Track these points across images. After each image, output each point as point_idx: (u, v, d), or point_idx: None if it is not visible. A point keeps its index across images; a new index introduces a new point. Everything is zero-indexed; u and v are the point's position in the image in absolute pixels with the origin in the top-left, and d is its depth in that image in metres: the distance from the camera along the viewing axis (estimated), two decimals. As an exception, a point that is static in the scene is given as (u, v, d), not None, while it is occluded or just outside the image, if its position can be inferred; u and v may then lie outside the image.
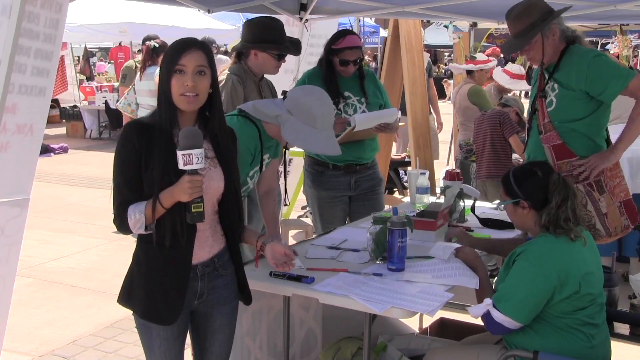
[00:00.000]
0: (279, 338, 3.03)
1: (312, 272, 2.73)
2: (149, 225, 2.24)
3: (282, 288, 2.66)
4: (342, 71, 4.01)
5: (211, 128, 2.38)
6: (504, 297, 2.49)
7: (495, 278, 2.83)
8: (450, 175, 3.83)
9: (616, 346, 2.77)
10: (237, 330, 2.61)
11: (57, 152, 12.14)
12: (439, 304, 2.47)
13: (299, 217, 7.09)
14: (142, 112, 6.32)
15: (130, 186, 2.26)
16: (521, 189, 2.65)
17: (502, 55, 8.31)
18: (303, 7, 5.42)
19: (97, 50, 23.28)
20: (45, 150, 11.53)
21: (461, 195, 3.60)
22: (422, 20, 7.54)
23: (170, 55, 2.29)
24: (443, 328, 3.69)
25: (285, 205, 4.65)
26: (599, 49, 11.51)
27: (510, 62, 8.04)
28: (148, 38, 6.71)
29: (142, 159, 2.25)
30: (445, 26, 10.03)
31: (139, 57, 8.35)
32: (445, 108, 11.64)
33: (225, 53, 9.03)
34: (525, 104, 4.77)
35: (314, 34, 5.62)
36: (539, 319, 2.51)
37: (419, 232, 3.15)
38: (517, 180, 2.68)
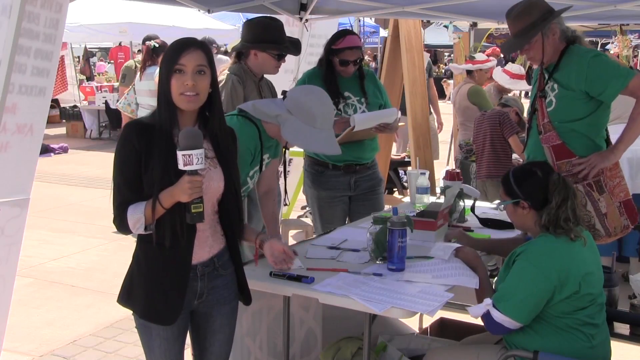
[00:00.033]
0: (279, 338, 3.02)
1: (312, 272, 2.73)
2: (149, 226, 2.24)
3: (282, 288, 2.66)
4: (342, 71, 4.01)
5: (211, 128, 2.38)
6: (504, 297, 2.49)
7: (495, 278, 2.82)
8: (450, 175, 3.83)
9: (616, 346, 2.77)
10: (237, 330, 2.61)
11: (57, 152, 12.14)
12: (439, 304, 2.47)
13: (299, 217, 7.09)
14: (142, 112, 6.31)
15: (130, 186, 2.26)
16: (521, 189, 2.65)
17: (502, 55, 8.31)
18: (303, 7, 5.42)
19: (97, 50, 23.30)
20: (45, 150, 11.53)
21: (461, 195, 3.60)
22: (422, 20, 7.53)
23: (169, 55, 2.29)
24: (443, 328, 3.69)
25: (285, 205, 4.65)
26: (599, 49, 11.53)
27: (510, 62, 8.03)
28: (148, 38, 6.70)
29: (142, 159, 2.25)
30: (445, 26, 10.03)
31: (139, 57, 8.36)
32: (445, 108, 11.63)
33: (225, 53, 9.02)
34: (525, 104, 4.77)
35: (314, 34, 5.62)
36: (539, 319, 2.51)
37: (419, 232, 3.15)
38: (517, 180, 2.67)
